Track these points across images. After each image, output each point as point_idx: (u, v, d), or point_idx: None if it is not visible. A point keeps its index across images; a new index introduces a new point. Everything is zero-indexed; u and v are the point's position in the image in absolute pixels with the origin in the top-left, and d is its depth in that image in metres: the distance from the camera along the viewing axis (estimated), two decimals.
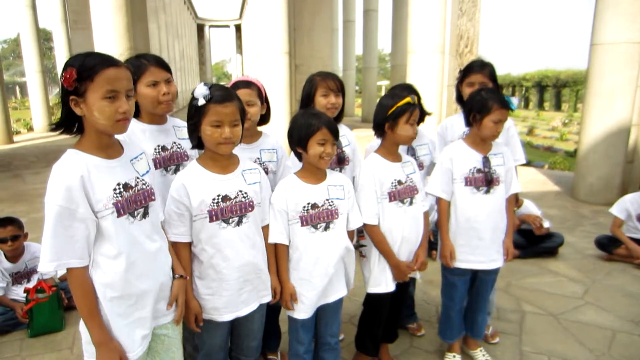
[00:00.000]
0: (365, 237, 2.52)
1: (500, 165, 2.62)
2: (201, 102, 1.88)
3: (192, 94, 1.90)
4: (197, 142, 2.00)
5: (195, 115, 1.93)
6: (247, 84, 2.40)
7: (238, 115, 1.94)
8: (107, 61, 1.53)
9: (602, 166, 6.64)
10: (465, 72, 2.95)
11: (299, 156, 2.25)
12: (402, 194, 2.46)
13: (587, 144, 6.76)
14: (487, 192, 2.60)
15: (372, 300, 2.63)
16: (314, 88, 2.65)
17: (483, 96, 2.53)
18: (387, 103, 2.41)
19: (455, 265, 2.67)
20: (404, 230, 2.48)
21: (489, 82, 2.83)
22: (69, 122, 1.58)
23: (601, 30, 6.42)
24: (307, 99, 2.67)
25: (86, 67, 1.49)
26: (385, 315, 2.66)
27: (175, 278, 1.88)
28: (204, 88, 1.88)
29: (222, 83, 2.16)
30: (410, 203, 2.49)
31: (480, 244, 2.62)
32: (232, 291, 2.03)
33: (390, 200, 2.44)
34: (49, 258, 1.49)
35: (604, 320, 3.48)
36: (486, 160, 2.60)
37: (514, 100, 2.52)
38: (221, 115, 1.89)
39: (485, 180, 2.58)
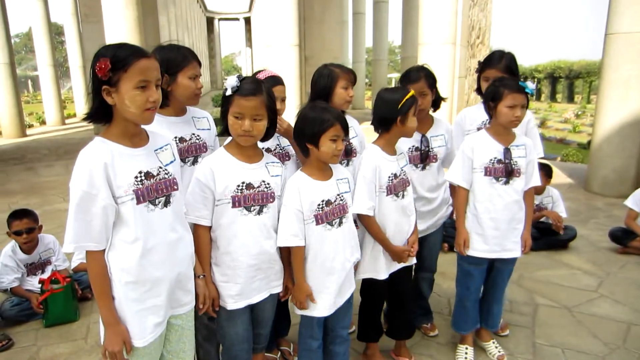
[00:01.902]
0: (359, 226, 2.51)
1: (522, 157, 2.60)
2: (228, 92, 1.94)
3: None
4: (225, 129, 2.04)
5: (224, 104, 1.99)
6: (281, 81, 2.48)
7: (262, 110, 1.96)
8: (139, 52, 1.59)
9: (617, 158, 6.55)
10: (484, 66, 2.90)
11: (306, 151, 2.20)
12: (397, 187, 2.45)
13: (601, 135, 6.68)
14: (506, 183, 2.58)
15: (367, 287, 2.64)
16: (334, 80, 2.59)
17: (495, 85, 2.54)
18: (394, 97, 2.39)
19: (470, 253, 2.67)
20: (397, 222, 2.49)
21: (504, 77, 2.72)
22: (102, 112, 1.63)
23: (616, 20, 6.31)
24: (325, 91, 2.59)
25: (119, 58, 1.55)
26: (382, 301, 2.68)
27: (199, 278, 1.98)
28: (234, 79, 1.94)
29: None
30: (403, 196, 2.49)
31: (496, 234, 2.62)
32: (246, 278, 2.06)
33: (388, 194, 2.43)
34: (69, 240, 1.56)
35: (619, 313, 3.45)
36: (507, 152, 2.58)
37: (529, 85, 2.49)
38: (243, 108, 1.92)
39: (505, 171, 2.56)
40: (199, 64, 2.22)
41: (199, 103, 2.30)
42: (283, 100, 2.47)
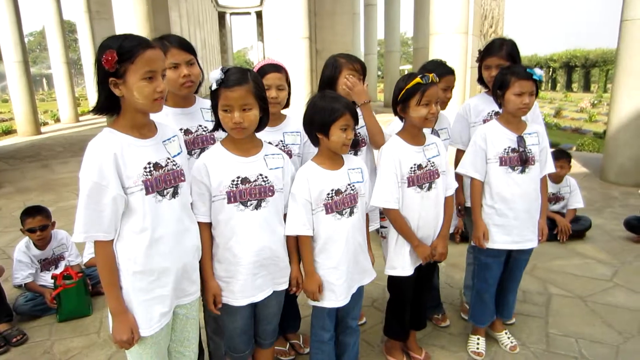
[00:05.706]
0: (386, 219, 2.49)
1: (535, 145, 2.58)
2: (214, 86, 1.88)
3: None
4: (218, 124, 2.00)
5: (212, 98, 1.94)
6: (277, 68, 2.37)
7: (250, 99, 1.89)
8: (145, 43, 1.59)
9: (633, 146, 6.43)
10: (484, 54, 2.87)
11: (316, 141, 2.18)
12: (421, 179, 2.37)
13: (617, 123, 6.55)
14: (522, 171, 2.56)
15: (393, 283, 2.61)
16: (337, 70, 2.58)
17: (503, 73, 2.52)
18: (399, 85, 2.36)
19: (491, 246, 2.62)
20: (421, 215, 2.41)
21: (506, 64, 2.71)
22: (109, 104, 1.64)
23: (632, 5, 6.18)
24: (330, 80, 2.59)
25: (125, 49, 1.55)
26: (409, 299, 2.62)
27: None
28: (217, 72, 1.88)
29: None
30: (429, 188, 2.40)
31: (516, 224, 2.59)
32: (247, 275, 2.02)
33: (409, 186, 2.37)
34: (79, 230, 1.58)
35: (634, 302, 3.39)
36: (521, 140, 2.55)
37: (537, 71, 2.44)
38: (230, 99, 1.87)
39: (520, 159, 2.54)
40: (186, 49, 2.12)
41: (197, 92, 2.26)
42: (279, 88, 2.35)
